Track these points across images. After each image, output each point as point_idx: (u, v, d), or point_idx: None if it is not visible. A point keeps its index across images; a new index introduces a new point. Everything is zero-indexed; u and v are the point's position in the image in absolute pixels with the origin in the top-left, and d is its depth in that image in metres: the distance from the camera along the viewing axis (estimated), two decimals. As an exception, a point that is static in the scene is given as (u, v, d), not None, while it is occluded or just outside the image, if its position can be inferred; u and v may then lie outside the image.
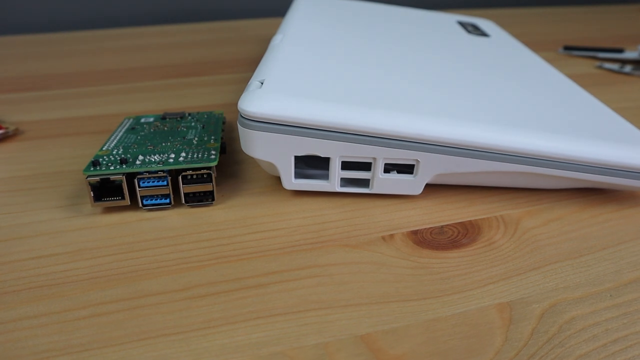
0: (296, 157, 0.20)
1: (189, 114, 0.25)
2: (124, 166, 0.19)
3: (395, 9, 0.37)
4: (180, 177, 0.19)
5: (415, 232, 0.18)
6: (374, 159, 0.19)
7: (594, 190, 0.21)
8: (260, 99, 0.18)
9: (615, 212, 0.20)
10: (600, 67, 0.37)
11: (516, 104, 0.21)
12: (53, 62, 0.38)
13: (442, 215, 0.19)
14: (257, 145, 0.19)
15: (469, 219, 0.19)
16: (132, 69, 0.36)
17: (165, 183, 0.19)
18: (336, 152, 0.19)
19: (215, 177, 0.20)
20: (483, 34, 0.34)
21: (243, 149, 0.19)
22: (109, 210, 0.19)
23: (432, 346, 0.13)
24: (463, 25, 0.36)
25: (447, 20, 0.37)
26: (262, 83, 0.19)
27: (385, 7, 0.38)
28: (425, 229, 0.18)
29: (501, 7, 0.65)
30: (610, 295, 0.15)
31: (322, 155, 0.19)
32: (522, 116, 0.20)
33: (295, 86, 0.19)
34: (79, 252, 0.17)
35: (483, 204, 0.20)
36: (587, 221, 0.19)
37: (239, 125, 0.18)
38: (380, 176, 0.19)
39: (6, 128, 0.25)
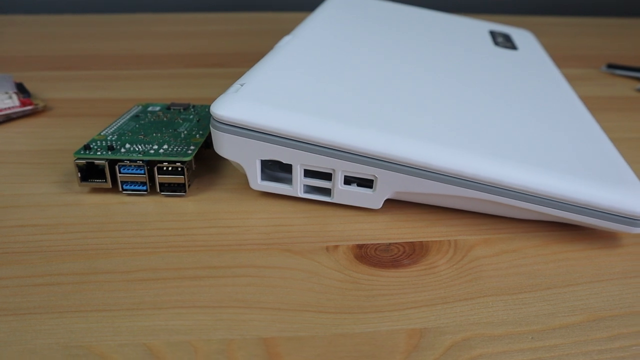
0: (268, 160, 0.21)
1: (193, 106, 0.26)
2: (110, 153, 0.21)
3: (427, 14, 0.37)
4: (155, 168, 0.21)
5: (360, 246, 0.18)
6: (333, 170, 0.19)
7: (569, 226, 0.20)
8: (231, 104, 0.19)
9: (580, 251, 0.19)
10: (639, 90, 0.34)
11: (497, 129, 0.21)
12: (92, 43, 0.41)
13: (396, 232, 0.19)
14: (225, 146, 0.20)
15: (420, 240, 0.19)
16: (163, 54, 0.39)
17: (142, 172, 0.21)
18: (297, 160, 0.19)
19: (193, 170, 0.22)
20: (512, 46, 0.33)
21: (214, 148, 0.20)
22: (95, 190, 0.21)
23: (327, 359, 0.14)
24: (494, 35, 0.35)
25: (477, 29, 0.36)
26: (241, 86, 0.20)
27: (418, 10, 0.37)
28: (372, 244, 0.19)
29: (557, 15, 0.61)
30: (532, 338, 0.15)
31: (284, 162, 0.19)
32: (495, 142, 0.19)
33: (270, 94, 0.20)
34: (57, 226, 0.19)
35: (442, 226, 0.20)
36: (545, 257, 0.18)
37: (210, 126, 0.20)
38: (340, 187, 0.20)
39: (36, 104, 0.28)
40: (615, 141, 0.28)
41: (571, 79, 0.37)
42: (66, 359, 0.14)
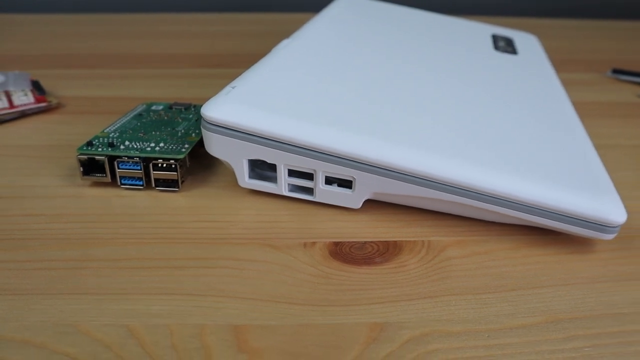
0: (257, 159, 0.22)
1: (194, 106, 0.28)
2: (110, 149, 0.22)
3: (428, 16, 0.37)
4: (151, 164, 0.22)
5: (336, 244, 0.19)
6: (314, 170, 0.20)
7: (543, 230, 0.21)
8: (220, 106, 0.20)
9: (552, 255, 0.19)
10: (641, 97, 0.34)
11: (477, 133, 0.21)
12: (95, 42, 0.43)
13: (373, 231, 0.20)
14: (215, 146, 0.21)
15: (395, 239, 0.20)
16: (166, 54, 0.40)
17: (139, 168, 0.22)
18: (281, 160, 0.20)
19: (187, 168, 0.23)
20: (512, 51, 0.33)
21: (205, 147, 0.21)
22: (96, 184, 0.23)
23: (290, 347, 0.15)
24: (495, 39, 0.35)
25: (480, 32, 0.36)
26: (233, 89, 0.22)
27: (420, 13, 0.38)
28: (348, 242, 0.20)
29: (562, 17, 0.60)
30: (488, 336, 0.16)
31: (269, 162, 0.21)
32: (474, 146, 0.20)
33: (258, 97, 0.21)
34: (58, 216, 0.21)
35: (418, 226, 0.21)
36: (515, 259, 0.19)
37: (201, 126, 0.21)
38: (321, 187, 0.21)
39: (49, 101, 0.30)
40: (614, 148, 0.28)
41: (574, 84, 0.37)
42: (55, 336, 0.15)
